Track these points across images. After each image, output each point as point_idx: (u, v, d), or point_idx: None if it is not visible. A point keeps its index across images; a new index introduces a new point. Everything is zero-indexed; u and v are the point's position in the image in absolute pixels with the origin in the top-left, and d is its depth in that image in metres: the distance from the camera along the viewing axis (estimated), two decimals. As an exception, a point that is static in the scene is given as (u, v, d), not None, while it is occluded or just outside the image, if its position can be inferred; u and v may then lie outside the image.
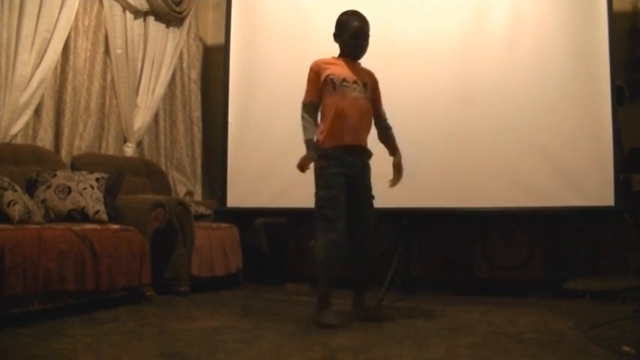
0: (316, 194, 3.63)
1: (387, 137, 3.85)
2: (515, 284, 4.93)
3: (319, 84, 3.64)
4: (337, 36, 3.75)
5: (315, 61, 3.70)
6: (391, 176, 3.80)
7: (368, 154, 3.75)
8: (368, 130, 3.74)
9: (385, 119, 3.87)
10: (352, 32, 3.68)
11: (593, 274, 4.84)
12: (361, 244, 3.65)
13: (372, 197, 3.74)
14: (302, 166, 3.55)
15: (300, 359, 2.73)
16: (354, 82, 3.64)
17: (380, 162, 3.81)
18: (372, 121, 3.79)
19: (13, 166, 4.17)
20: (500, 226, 5.10)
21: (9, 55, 4.38)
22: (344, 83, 3.61)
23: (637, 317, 3.56)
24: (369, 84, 3.73)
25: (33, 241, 3.36)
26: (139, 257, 4.09)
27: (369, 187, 3.74)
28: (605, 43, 4.63)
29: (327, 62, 3.69)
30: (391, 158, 3.85)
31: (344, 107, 3.59)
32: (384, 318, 3.63)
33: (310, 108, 3.65)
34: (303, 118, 3.63)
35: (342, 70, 3.65)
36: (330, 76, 3.61)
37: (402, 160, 3.81)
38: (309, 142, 3.58)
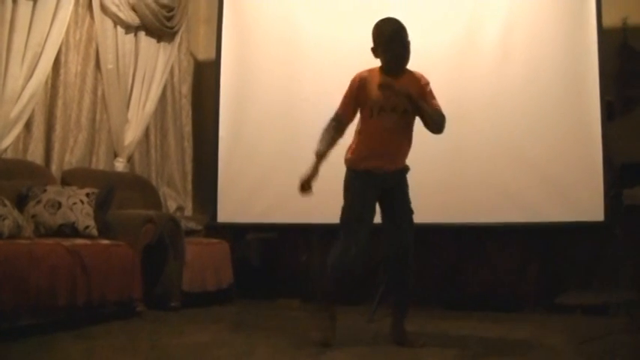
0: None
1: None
2: (507, 299, 4.92)
3: (353, 100, 3.38)
4: (374, 50, 3.39)
5: (358, 75, 3.39)
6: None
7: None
8: (403, 157, 3.50)
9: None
10: (386, 39, 3.33)
11: (584, 289, 4.85)
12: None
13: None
14: (302, 185, 3.36)
15: (292, 374, 2.72)
16: (392, 109, 3.31)
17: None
18: (410, 145, 3.50)
19: (3, 181, 4.15)
20: (492, 240, 5.11)
21: (-1, 69, 4.38)
22: (381, 112, 3.32)
23: (628, 331, 3.57)
24: (410, 108, 3.34)
25: (23, 256, 3.35)
26: (129, 272, 4.07)
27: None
28: (595, 59, 4.67)
29: (367, 79, 3.35)
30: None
31: (377, 139, 3.37)
32: (423, 344, 3.27)
33: (337, 120, 3.42)
34: (326, 125, 3.42)
35: (380, 94, 3.30)
36: (368, 102, 3.33)
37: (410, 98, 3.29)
38: (316, 154, 3.39)
